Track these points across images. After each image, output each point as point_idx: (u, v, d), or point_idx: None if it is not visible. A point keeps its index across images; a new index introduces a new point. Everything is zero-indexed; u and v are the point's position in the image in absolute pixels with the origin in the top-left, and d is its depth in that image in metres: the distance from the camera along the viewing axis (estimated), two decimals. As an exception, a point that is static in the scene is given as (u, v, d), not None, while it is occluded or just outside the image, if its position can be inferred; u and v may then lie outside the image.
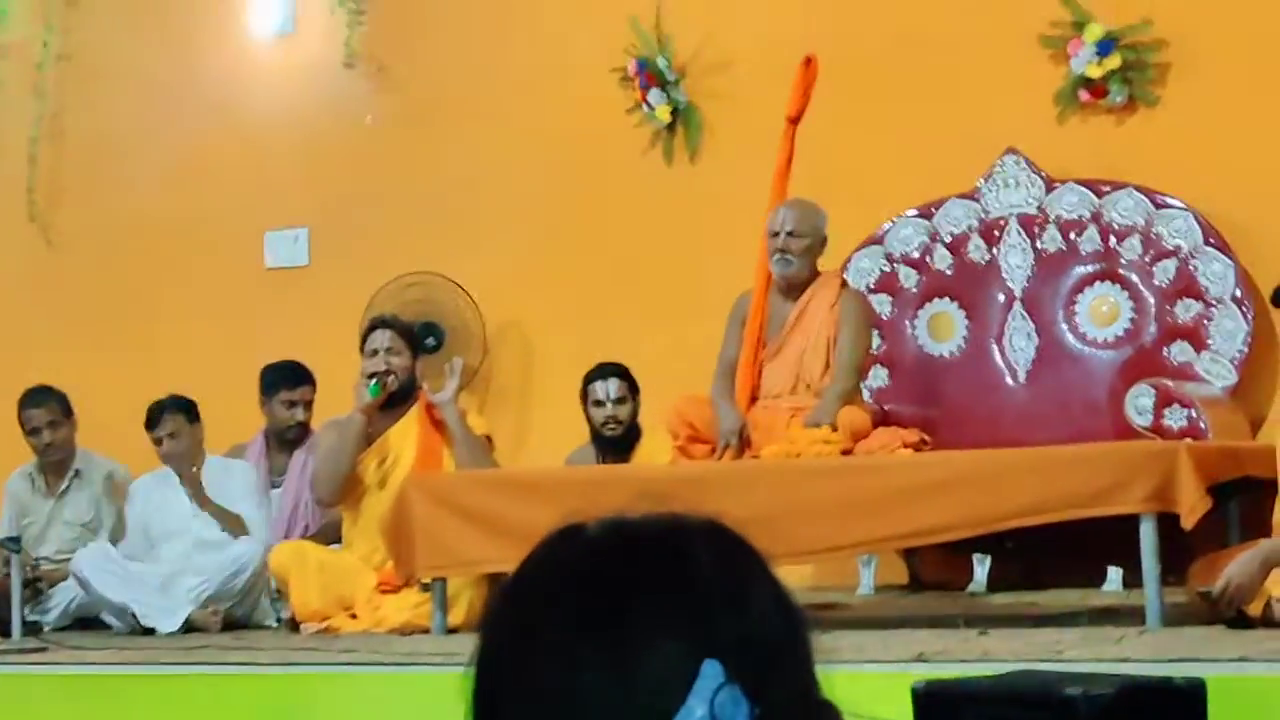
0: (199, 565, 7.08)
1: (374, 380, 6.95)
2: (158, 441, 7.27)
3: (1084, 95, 7.58)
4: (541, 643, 1.24)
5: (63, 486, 7.80)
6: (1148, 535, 5.37)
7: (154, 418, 7.28)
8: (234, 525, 7.17)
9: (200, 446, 7.35)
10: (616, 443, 7.31)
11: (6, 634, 6.68)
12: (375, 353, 7.06)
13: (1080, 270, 7.39)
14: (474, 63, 8.78)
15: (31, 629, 6.93)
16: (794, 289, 6.86)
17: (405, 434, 7.03)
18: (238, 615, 7.07)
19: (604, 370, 7.39)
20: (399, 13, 8.95)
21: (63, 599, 7.35)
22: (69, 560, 7.47)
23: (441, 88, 8.84)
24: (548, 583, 1.27)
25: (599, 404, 7.35)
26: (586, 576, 1.26)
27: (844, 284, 7.03)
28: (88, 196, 9.52)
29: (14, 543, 6.90)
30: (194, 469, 7.25)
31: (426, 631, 6.36)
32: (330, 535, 7.31)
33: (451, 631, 6.31)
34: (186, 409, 7.31)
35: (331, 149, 9.04)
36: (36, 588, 7.36)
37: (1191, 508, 5.31)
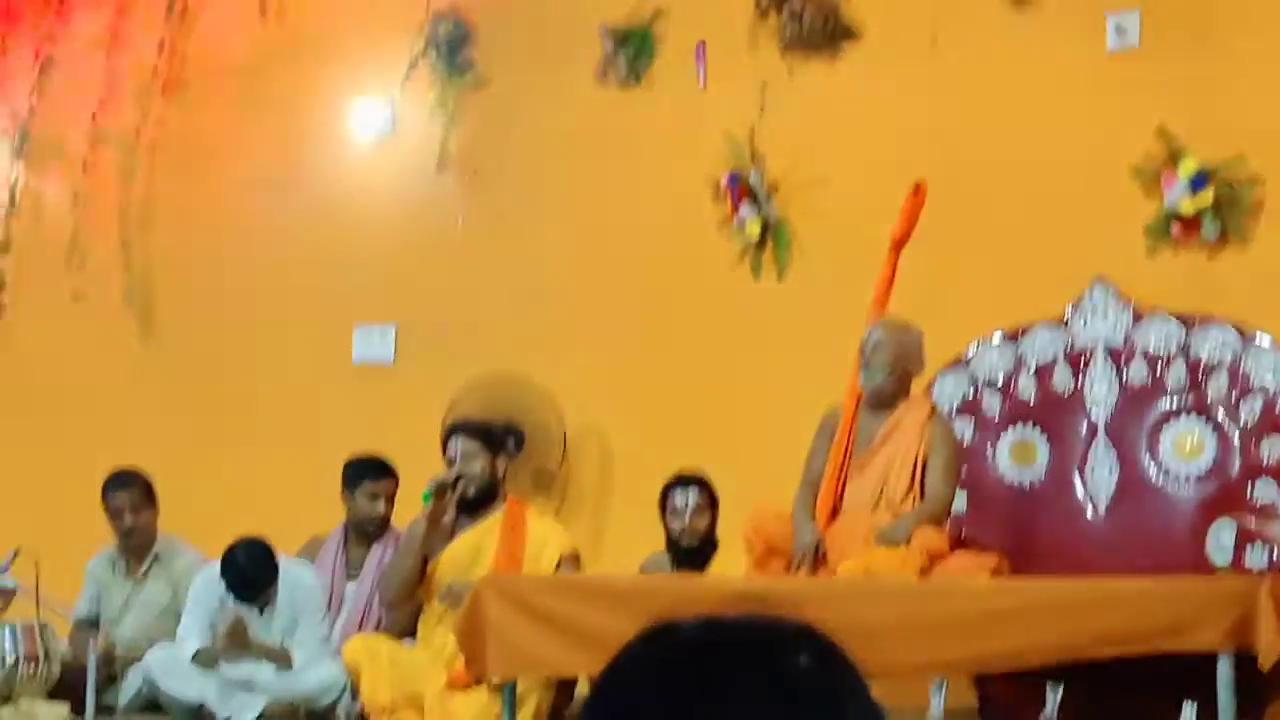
0: (278, 684, 7.10)
1: (430, 487, 6.98)
2: (239, 599, 7.27)
3: (1175, 229, 7.58)
4: None
5: (143, 570, 7.87)
6: (1224, 673, 5.32)
7: (243, 586, 7.25)
8: (281, 662, 7.18)
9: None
10: (692, 553, 7.30)
11: (80, 712, 6.73)
12: (451, 461, 7.12)
13: (1165, 403, 7.36)
14: (567, 169, 8.87)
15: (104, 710, 6.98)
16: (882, 405, 6.87)
17: (487, 534, 7.07)
18: (315, 709, 7.11)
19: (684, 480, 7.39)
20: (495, 118, 9.06)
21: (136, 681, 7.39)
22: (145, 644, 7.53)
23: (533, 192, 8.93)
24: (641, 678, 1.29)
25: (677, 513, 7.35)
26: (680, 673, 1.28)
27: (934, 409, 7.02)
28: (182, 286, 9.65)
29: (92, 623, 6.96)
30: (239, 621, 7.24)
31: (494, 732, 6.36)
32: (402, 629, 7.34)
33: (519, 733, 6.31)
34: (268, 570, 7.31)
35: (422, 248, 9.13)
36: (111, 669, 7.41)
37: (1269, 647, 5.25)
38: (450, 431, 7.28)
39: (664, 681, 1.27)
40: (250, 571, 7.19)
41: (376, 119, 9.36)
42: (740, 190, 8.32)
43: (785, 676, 1.26)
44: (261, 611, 7.33)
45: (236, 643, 7.11)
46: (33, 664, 7.02)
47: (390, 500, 7.73)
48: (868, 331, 6.89)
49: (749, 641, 1.29)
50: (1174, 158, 7.55)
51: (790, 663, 1.27)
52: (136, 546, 7.86)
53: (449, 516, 7.08)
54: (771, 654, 1.28)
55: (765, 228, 8.34)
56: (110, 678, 7.39)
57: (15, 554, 7.06)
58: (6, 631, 7.03)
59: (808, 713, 1.25)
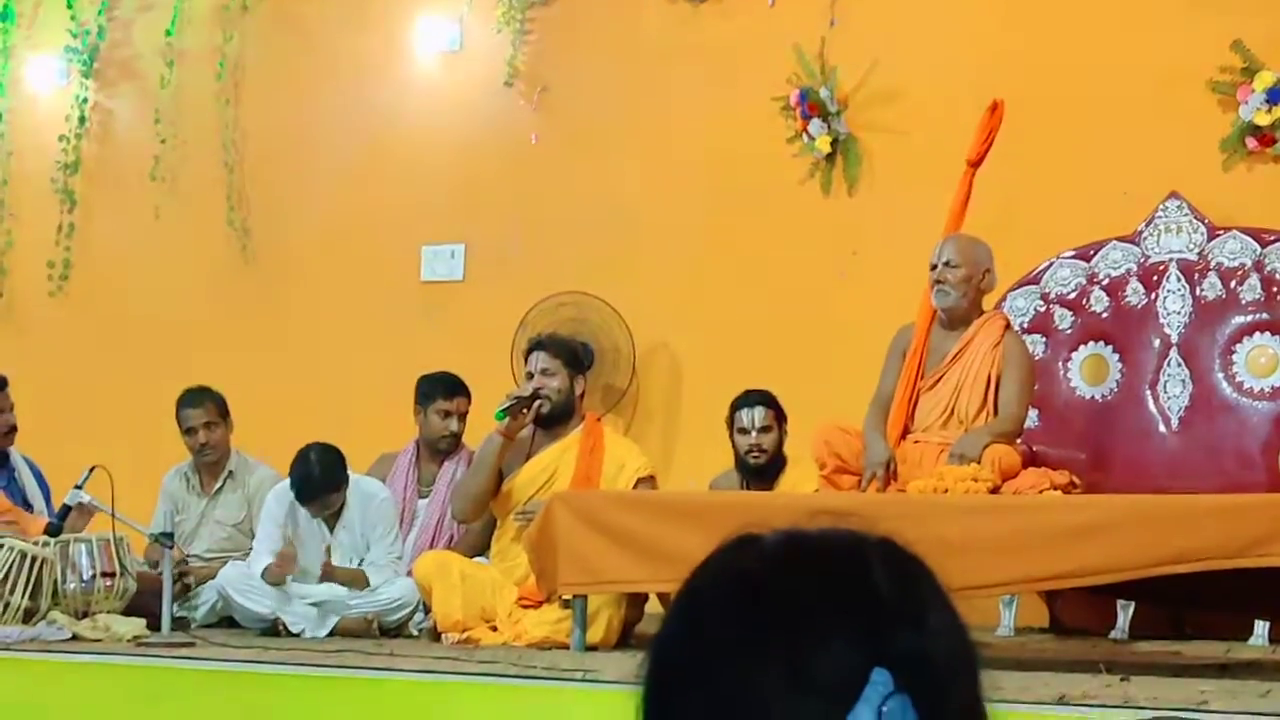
0: (351, 601, 7.17)
1: (504, 404, 6.99)
2: (313, 510, 7.34)
3: (1251, 143, 7.51)
4: (715, 646, 1.27)
5: (216, 486, 7.94)
6: (1299, 589, 5.29)
7: (308, 492, 7.28)
8: (358, 584, 7.24)
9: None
10: (761, 471, 7.31)
11: (156, 628, 6.81)
12: (531, 375, 7.13)
13: (1239, 319, 7.31)
14: (636, 85, 8.84)
15: (180, 624, 7.06)
16: (955, 323, 6.84)
17: (564, 453, 7.09)
18: (387, 624, 7.18)
19: (750, 398, 7.39)
20: (563, 33, 9.03)
21: (210, 597, 7.47)
22: (219, 559, 7.62)
23: (602, 109, 8.91)
24: (723, 586, 1.30)
25: (744, 431, 7.35)
26: (762, 580, 1.28)
27: (1008, 325, 6.99)
28: (256, 203, 9.69)
29: (167, 538, 7.04)
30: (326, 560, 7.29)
31: (565, 647, 6.40)
32: (474, 546, 7.38)
33: (590, 649, 6.35)
34: (338, 470, 7.34)
35: (490, 167, 9.13)
36: (185, 584, 7.49)
37: (1346, 563, 5.22)
38: (532, 347, 7.28)
39: (745, 592, 1.28)
40: (318, 472, 7.23)
41: (444, 36, 9.34)
42: (810, 105, 8.28)
43: (867, 587, 1.27)
44: (332, 528, 7.39)
45: (276, 578, 7.15)
46: (109, 579, 7.10)
47: (462, 418, 7.76)
48: (938, 249, 6.86)
49: (831, 553, 1.30)
50: (1250, 71, 7.47)
51: (872, 574, 1.28)
52: (210, 463, 7.93)
53: (525, 432, 7.10)
54: (853, 565, 1.28)
55: (835, 143, 8.30)
56: (185, 592, 7.47)
57: (91, 471, 7.12)
58: (83, 547, 7.11)
59: (890, 623, 1.25)
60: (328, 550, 7.29)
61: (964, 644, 1.30)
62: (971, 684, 1.29)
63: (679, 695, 1.27)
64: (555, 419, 7.11)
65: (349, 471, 7.36)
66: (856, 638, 1.24)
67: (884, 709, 1.21)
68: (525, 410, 7.02)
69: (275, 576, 7.14)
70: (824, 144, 8.29)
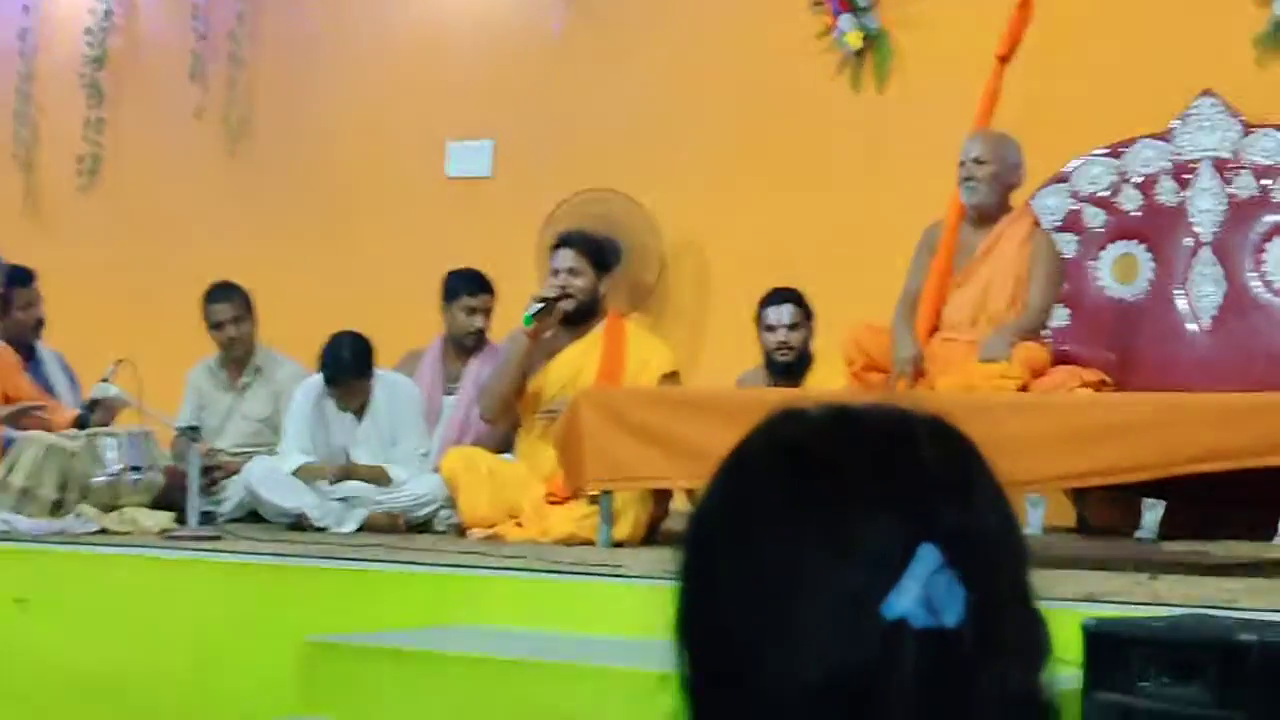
0: (378, 496, 7.18)
1: (532, 310, 6.95)
2: (339, 396, 7.33)
3: (1287, 38, 7.41)
4: (758, 514, 1.24)
5: (243, 381, 7.94)
6: (1330, 489, 5.26)
7: (338, 373, 7.30)
8: (380, 481, 7.23)
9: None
10: (788, 368, 7.30)
11: (182, 521, 6.83)
12: (556, 273, 7.09)
13: (1272, 218, 7.24)
14: (665, -20, 8.76)
15: (206, 518, 7.08)
16: (984, 219, 6.79)
17: (589, 351, 7.06)
18: (413, 519, 7.19)
19: (778, 295, 7.37)
20: (594, -75, 8.94)
21: (237, 491, 7.48)
22: (246, 454, 7.63)
23: (633, 3, 8.82)
24: (767, 457, 1.27)
25: (771, 329, 7.33)
26: (808, 451, 1.26)
27: (1036, 222, 6.93)
28: (280, 98, 9.64)
29: (194, 432, 7.04)
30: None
31: (591, 543, 6.40)
32: (500, 443, 7.38)
33: (616, 545, 6.35)
34: (368, 355, 7.35)
35: (518, 61, 9.06)
36: (213, 477, 7.50)
37: (1377, 462, 5.19)
38: (558, 244, 7.24)
39: (790, 463, 1.25)
40: (348, 355, 7.25)
41: (471, -74, 9.25)
42: (840, 1, 8.19)
43: (914, 461, 1.24)
44: (360, 419, 7.39)
45: (310, 476, 7.19)
46: (136, 473, 7.12)
47: (488, 315, 7.73)
48: (966, 145, 6.80)
49: (878, 426, 1.27)
50: (1287, -35, 7.37)
51: (920, 448, 1.25)
52: (237, 358, 7.93)
53: (550, 331, 7.08)
54: (901, 439, 1.26)
55: (865, 39, 8.22)
56: (212, 486, 7.49)
57: (118, 364, 7.12)
58: (111, 441, 7.13)
59: (937, 497, 1.23)
60: (345, 454, 7.27)
61: (1011, 525, 1.27)
62: (1019, 565, 1.26)
63: (719, 564, 1.25)
64: (580, 317, 7.08)
65: (374, 358, 7.35)
66: (903, 510, 1.22)
67: (931, 584, 1.19)
68: (552, 311, 6.99)
69: (310, 474, 7.17)
70: (854, 40, 8.21)
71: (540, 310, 6.96)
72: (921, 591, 1.19)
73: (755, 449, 1.29)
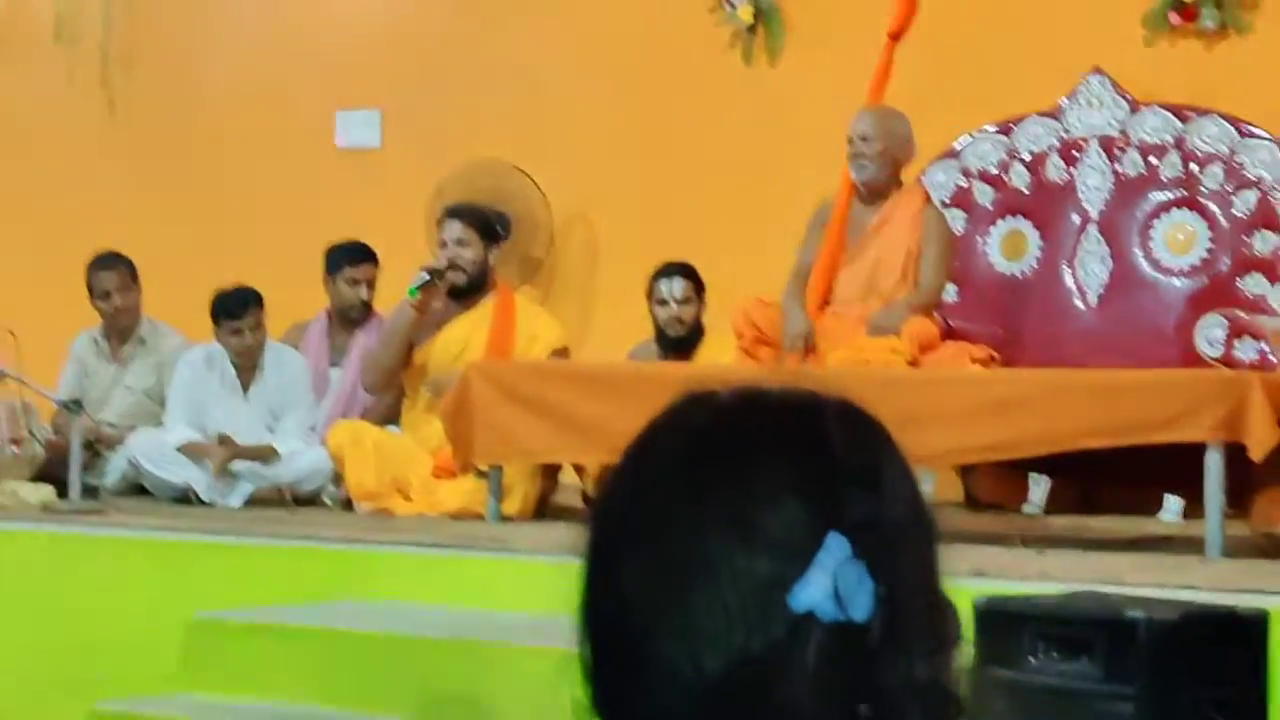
0: (263, 471, 7.10)
1: (418, 282, 6.89)
2: (236, 332, 7.23)
3: (1174, 18, 7.47)
4: (664, 498, 1.22)
5: (127, 352, 7.83)
6: (1214, 464, 5.32)
7: (235, 309, 7.23)
8: (267, 458, 7.15)
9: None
10: (679, 342, 7.29)
11: (64, 495, 6.72)
12: (444, 245, 7.04)
13: (1159, 196, 7.30)
14: (557, -49, 8.71)
15: (89, 491, 6.97)
16: (875, 195, 6.80)
17: (477, 324, 7.02)
18: (300, 494, 7.12)
19: (671, 270, 7.35)
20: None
21: (120, 463, 7.38)
22: (129, 426, 7.52)
23: (522, -27, 8.77)
24: (672, 440, 1.25)
25: (664, 303, 7.32)
26: (713, 434, 1.24)
27: (928, 198, 6.95)
28: (160, 62, 9.50)
29: (75, 405, 6.93)
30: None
31: (480, 518, 6.37)
32: (386, 416, 7.33)
33: (505, 519, 6.32)
34: (263, 303, 7.28)
35: (408, 32, 8.98)
36: (95, 450, 7.39)
37: (1261, 440, 5.24)
38: (446, 215, 7.19)
39: (694, 445, 1.23)
40: (241, 290, 7.22)
41: (360, -103, 9.16)
42: (732, -26, 8.17)
43: (823, 447, 1.23)
44: (247, 392, 7.31)
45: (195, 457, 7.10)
46: (16, 446, 7.01)
47: (371, 285, 7.68)
48: (853, 123, 6.80)
49: (786, 410, 1.25)
50: (1175, -56, 7.42)
51: (829, 434, 1.24)
52: (121, 328, 7.82)
53: (438, 303, 7.03)
54: (809, 424, 1.24)
55: (757, 12, 8.20)
56: (95, 459, 7.38)
57: (-2, 336, 7.01)
58: (-10, 413, 7.01)
59: (846, 485, 1.21)
60: (226, 441, 7.14)
61: (921, 513, 1.26)
62: (929, 554, 1.25)
63: (623, 553, 1.23)
64: (468, 290, 7.04)
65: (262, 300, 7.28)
66: (811, 498, 1.20)
67: (839, 575, 1.17)
68: (439, 284, 6.94)
69: (196, 455, 7.08)
70: (746, 14, 8.20)
71: (426, 283, 6.90)
72: (830, 583, 1.17)
73: (662, 432, 1.26)
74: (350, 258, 7.67)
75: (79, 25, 9.57)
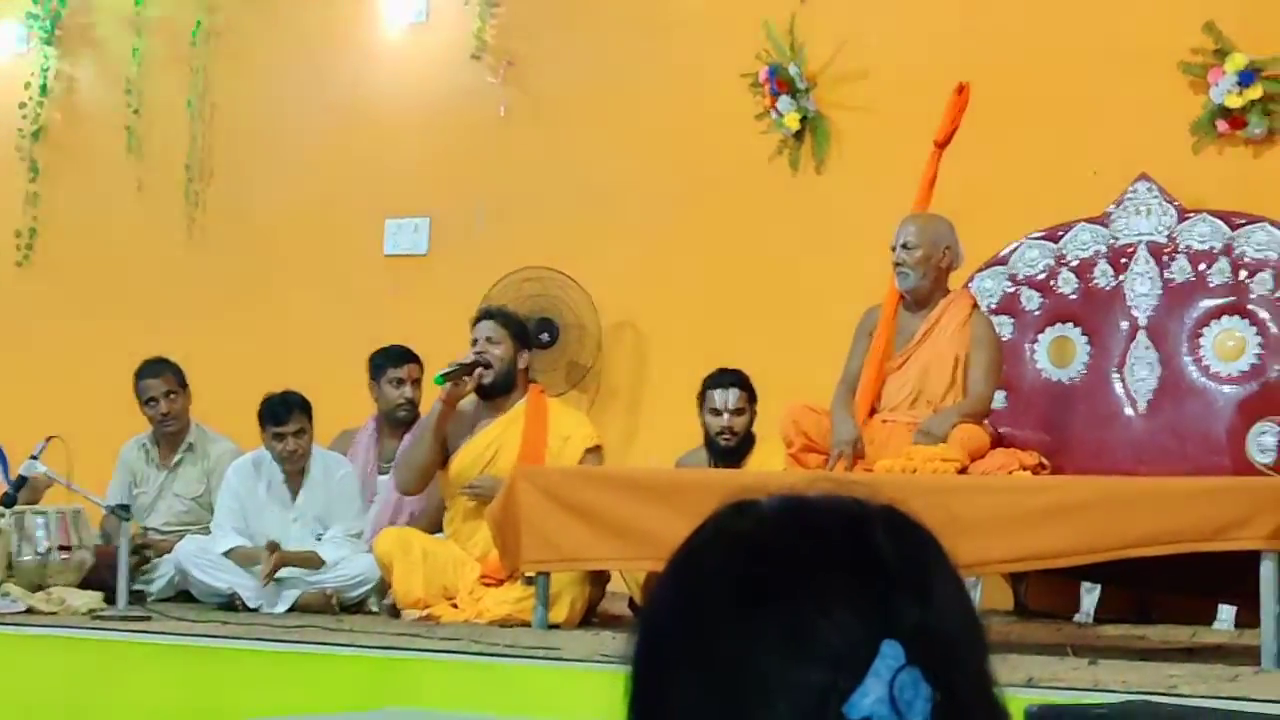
0: (310, 577, 7.10)
1: (446, 370, 6.91)
2: (279, 437, 7.25)
3: (1222, 125, 7.47)
4: (711, 611, 1.20)
5: (175, 459, 7.86)
6: (1269, 573, 5.25)
7: (280, 414, 7.26)
8: (312, 565, 7.15)
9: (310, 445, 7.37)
10: (730, 451, 7.25)
11: (112, 601, 6.73)
12: (475, 341, 7.06)
13: (1208, 303, 7.28)
14: (604, 60, 8.78)
15: (136, 598, 6.98)
16: (920, 303, 6.78)
17: (508, 426, 7.02)
18: (347, 600, 7.11)
19: (725, 378, 7.30)
20: (531, 6, 8.96)
21: (168, 570, 7.40)
22: (177, 532, 7.54)
23: (570, 83, 8.84)
24: (718, 552, 1.23)
25: (717, 412, 7.27)
26: (761, 545, 1.22)
27: (975, 304, 6.93)
28: (221, 172, 9.62)
29: (124, 510, 6.95)
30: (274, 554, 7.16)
31: (527, 625, 6.34)
32: (433, 523, 7.32)
33: (553, 627, 6.29)
34: (310, 409, 7.31)
35: (457, 140, 9.06)
36: (144, 556, 7.42)
37: (1315, 548, 5.19)
38: (479, 317, 7.23)
39: (742, 556, 1.22)
40: (289, 394, 7.25)
41: (410, 7, 9.26)
42: (779, 82, 8.22)
43: (871, 554, 1.21)
44: (294, 498, 7.32)
45: (244, 562, 7.10)
46: (65, 552, 7.02)
47: (416, 384, 7.70)
48: (896, 232, 6.80)
49: (833, 518, 1.24)
50: (1222, 53, 7.44)
51: (877, 541, 1.22)
52: (169, 434, 7.85)
53: (470, 406, 7.03)
54: (856, 531, 1.22)
55: (803, 121, 8.24)
56: (142, 565, 7.39)
57: (48, 441, 7.03)
58: (39, 519, 7.03)
59: (897, 592, 1.19)
60: (274, 547, 7.14)
61: (972, 617, 1.24)
62: (983, 661, 1.23)
63: (671, 668, 1.21)
64: (497, 390, 7.03)
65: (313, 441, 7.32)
66: (863, 607, 1.18)
67: (895, 683, 1.15)
68: (467, 377, 6.95)
69: (245, 560, 7.08)
70: (792, 121, 8.23)
71: (452, 372, 6.90)
72: (886, 691, 1.15)
73: (706, 543, 1.25)
74: (392, 360, 7.71)
75: (149, 139, 9.69)
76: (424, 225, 9.13)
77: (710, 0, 8.52)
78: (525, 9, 8.96)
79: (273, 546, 7.08)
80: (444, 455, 7.04)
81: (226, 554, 7.12)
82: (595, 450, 7.04)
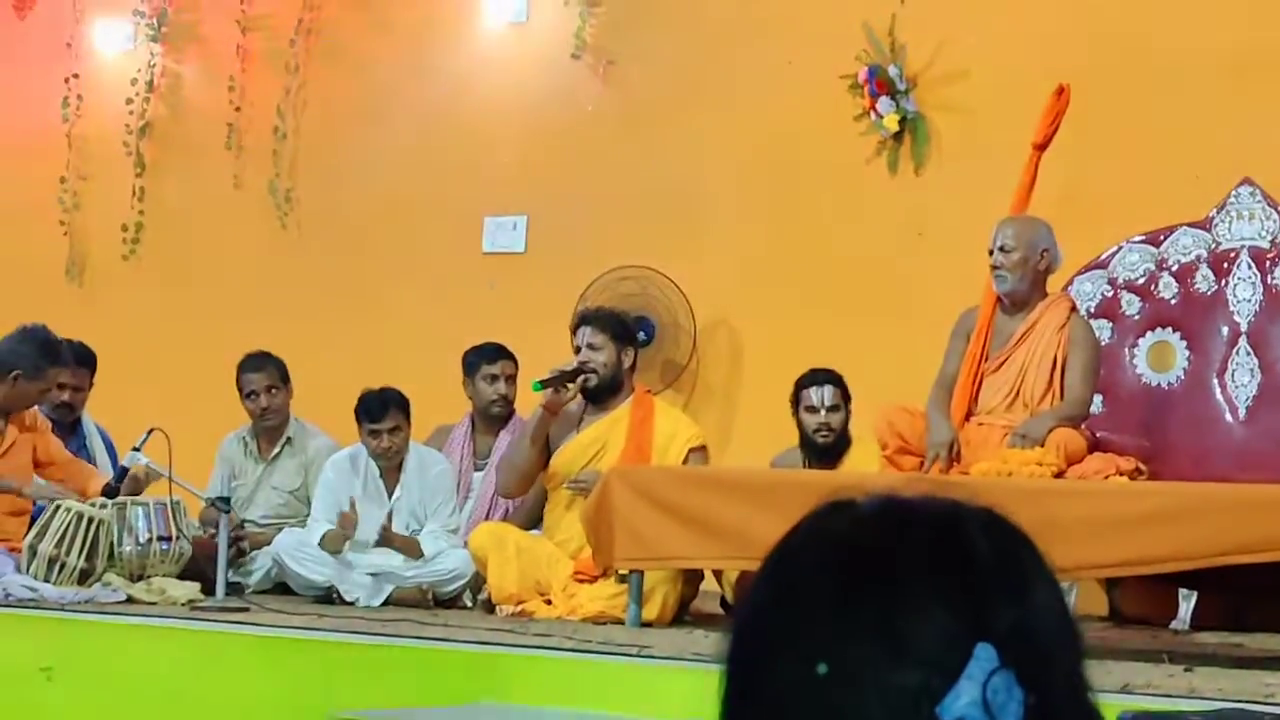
0: (406, 571, 7.15)
1: (541, 378, 6.92)
2: (375, 434, 7.31)
3: (1327, 129, 7.39)
4: (807, 610, 1.21)
5: (274, 452, 7.93)
6: (1368, 582, 5.20)
7: (375, 411, 7.32)
8: (412, 553, 7.20)
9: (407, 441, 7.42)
10: (825, 450, 7.24)
11: (210, 592, 6.80)
12: (578, 350, 7.08)
13: (1311, 308, 7.19)
14: (702, 60, 8.78)
15: (234, 589, 7.06)
16: (1018, 305, 6.75)
17: (614, 425, 7.04)
18: (442, 595, 7.16)
19: (819, 377, 7.30)
20: (630, 6, 8.98)
21: (265, 563, 7.47)
22: (275, 525, 7.61)
23: (668, 83, 8.85)
24: (815, 551, 1.24)
25: (812, 410, 7.27)
26: (858, 545, 1.23)
27: (1074, 308, 6.89)
28: (320, 171, 9.69)
29: (224, 503, 7.03)
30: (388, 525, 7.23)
31: (620, 623, 6.36)
32: (529, 519, 7.35)
33: (645, 624, 6.31)
34: (407, 406, 7.36)
35: (555, 139, 9.09)
36: (241, 548, 7.49)
37: None
38: (579, 321, 7.24)
39: (839, 556, 1.22)
40: (387, 390, 7.29)
41: (510, 6, 9.30)
42: (878, 83, 8.20)
43: (968, 556, 1.21)
44: (391, 494, 7.37)
45: (335, 543, 7.14)
46: (165, 543, 7.10)
47: (510, 380, 7.72)
48: (993, 234, 6.77)
49: (930, 519, 1.24)
50: (1327, 56, 7.36)
51: (974, 543, 1.22)
52: (269, 428, 7.92)
53: (575, 405, 7.06)
54: (953, 533, 1.23)
55: (903, 122, 8.22)
56: (240, 557, 7.47)
57: (149, 434, 7.12)
58: (140, 511, 7.11)
59: (993, 595, 1.20)
60: (389, 515, 7.24)
61: (1067, 621, 1.24)
62: (1077, 663, 1.23)
63: (766, 666, 1.22)
64: (604, 392, 7.06)
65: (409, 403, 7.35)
66: (958, 608, 1.18)
67: (989, 685, 1.16)
68: (568, 384, 6.96)
69: (335, 541, 7.13)
70: (891, 122, 8.21)
71: (550, 379, 6.92)
72: (979, 693, 1.15)
73: (803, 542, 1.25)
74: (486, 357, 7.74)
75: (249, 135, 9.80)
76: (522, 223, 9.17)
77: (810, 1, 8.51)
78: (625, 9, 8.98)
79: (348, 519, 7.12)
80: (545, 458, 7.06)
81: (320, 539, 7.17)
82: (700, 450, 7.04)
